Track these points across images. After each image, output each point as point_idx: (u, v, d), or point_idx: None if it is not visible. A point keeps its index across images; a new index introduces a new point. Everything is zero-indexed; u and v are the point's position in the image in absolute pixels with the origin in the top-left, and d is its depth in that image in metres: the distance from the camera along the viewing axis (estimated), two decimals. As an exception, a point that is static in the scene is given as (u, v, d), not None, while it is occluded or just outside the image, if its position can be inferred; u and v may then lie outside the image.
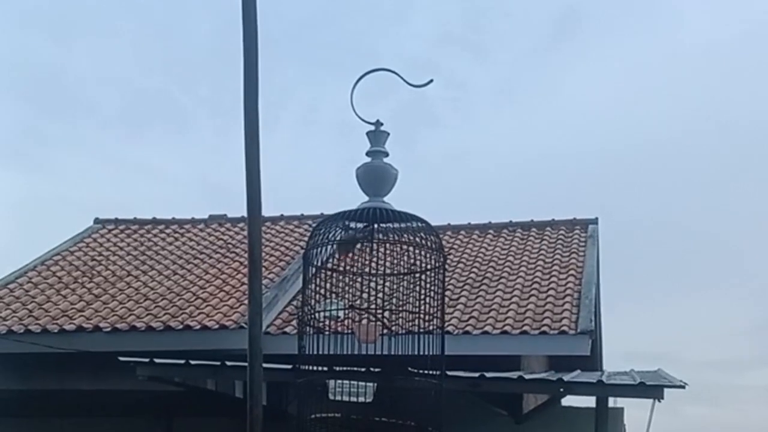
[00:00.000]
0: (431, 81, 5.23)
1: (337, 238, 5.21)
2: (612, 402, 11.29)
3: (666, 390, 9.39)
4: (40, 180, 31.82)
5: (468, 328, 12.73)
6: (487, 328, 12.72)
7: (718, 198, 31.83)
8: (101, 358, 12.20)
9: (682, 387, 9.57)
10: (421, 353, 5.10)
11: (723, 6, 29.99)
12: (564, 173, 30.66)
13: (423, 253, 5.22)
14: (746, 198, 30.71)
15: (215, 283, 14.53)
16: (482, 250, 16.31)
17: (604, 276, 16.73)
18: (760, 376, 33.36)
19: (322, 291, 5.25)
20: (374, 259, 5.21)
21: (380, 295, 5.30)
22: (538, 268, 15.12)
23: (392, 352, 5.13)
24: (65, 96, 31.50)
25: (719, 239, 31.71)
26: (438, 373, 5.13)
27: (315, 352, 5.11)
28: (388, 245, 5.20)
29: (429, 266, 5.24)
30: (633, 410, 13.50)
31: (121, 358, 10.53)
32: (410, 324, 5.17)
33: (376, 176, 5.24)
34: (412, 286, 5.24)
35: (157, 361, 10.38)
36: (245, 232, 3.95)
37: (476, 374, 9.57)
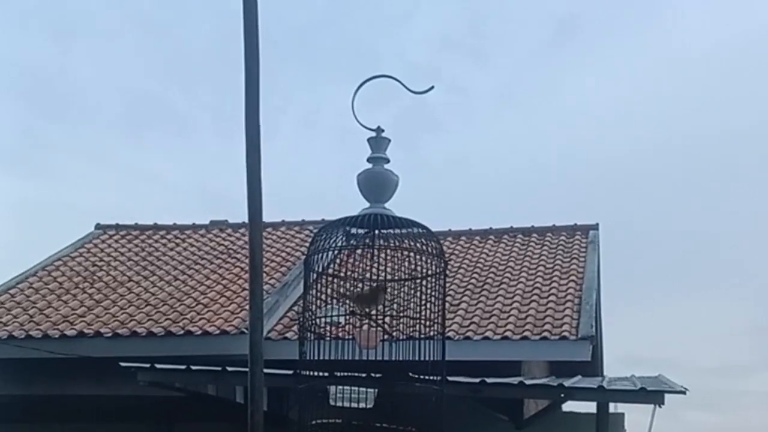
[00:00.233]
0: (432, 88, 5.23)
1: (339, 244, 5.21)
2: (613, 407, 11.30)
3: (667, 395, 9.39)
4: (41, 185, 31.86)
5: (469, 334, 12.73)
6: (488, 334, 12.72)
7: (717, 201, 31.85)
8: (102, 364, 12.21)
9: (683, 392, 9.56)
10: (422, 359, 5.10)
11: (723, 9, 30.03)
12: (564, 178, 30.69)
13: (424, 259, 5.23)
14: (745, 200, 30.74)
15: (216, 289, 14.53)
16: (483, 255, 16.31)
17: (605, 281, 16.75)
18: (761, 381, 33.36)
19: (323, 297, 5.25)
20: (375, 265, 5.22)
21: (384, 298, 5.30)
22: (539, 273, 15.12)
23: (393, 358, 5.13)
24: (66, 100, 31.56)
25: (719, 243, 31.73)
26: (439, 378, 5.13)
27: (316, 358, 5.11)
28: (389, 251, 5.20)
29: (430, 272, 5.25)
30: (634, 416, 13.50)
31: (122, 364, 10.54)
32: (411, 330, 5.18)
33: (377, 183, 5.25)
34: (413, 291, 5.25)
35: (158, 366, 10.38)
36: (246, 238, 3.95)
37: (477, 380, 9.58)
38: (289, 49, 23.87)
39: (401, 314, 5.25)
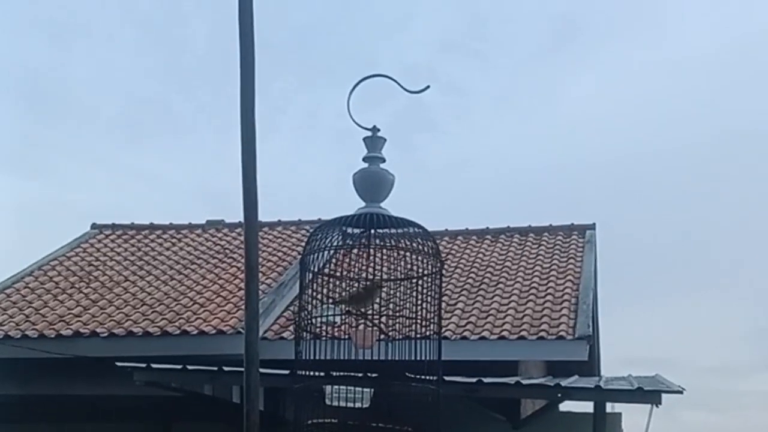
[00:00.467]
0: (428, 87, 5.22)
1: (335, 244, 5.21)
2: (610, 407, 11.30)
3: (664, 395, 9.40)
4: (38, 185, 31.86)
5: (466, 334, 12.74)
6: (485, 334, 12.73)
7: (715, 201, 31.89)
8: (98, 364, 12.20)
9: (680, 392, 9.57)
10: (419, 359, 5.09)
11: (723, 14, 30.07)
12: (562, 178, 30.71)
13: (420, 258, 5.22)
14: (743, 201, 30.78)
15: (212, 289, 14.53)
16: (480, 255, 16.32)
17: (602, 281, 16.76)
18: (759, 381, 33.40)
19: (320, 296, 5.25)
20: (371, 265, 5.21)
21: (377, 300, 5.30)
22: (536, 273, 15.13)
23: (389, 358, 5.12)
24: (64, 102, 31.53)
25: (717, 243, 31.78)
26: (435, 378, 5.12)
27: (312, 358, 5.11)
28: (385, 251, 5.20)
29: (426, 272, 5.24)
30: (631, 415, 13.51)
31: (119, 364, 10.54)
32: (407, 329, 5.17)
33: (372, 182, 5.24)
34: (409, 291, 5.24)
35: (154, 366, 10.38)
36: (242, 238, 3.97)
37: (474, 379, 9.58)
38: (287, 51, 23.85)
39: (397, 314, 5.24)
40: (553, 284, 14.52)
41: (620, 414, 13.44)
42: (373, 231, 5.16)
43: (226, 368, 10.02)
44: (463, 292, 14.42)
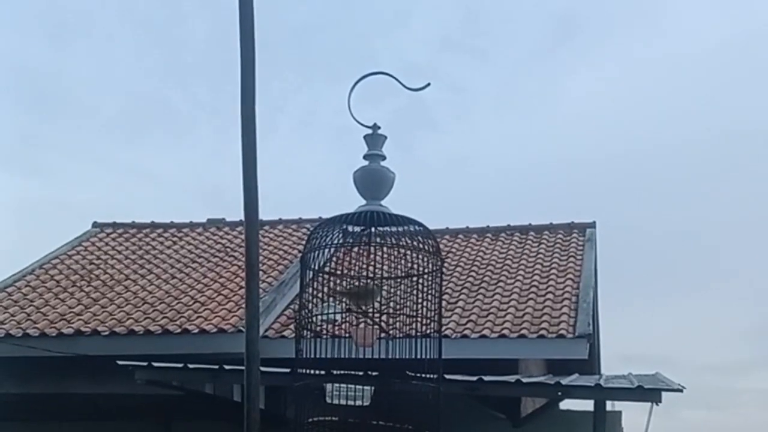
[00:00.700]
0: (428, 84, 5.22)
1: (335, 242, 5.21)
2: (610, 405, 11.32)
3: (664, 393, 9.40)
4: (38, 184, 31.87)
5: (466, 332, 12.75)
6: (485, 332, 12.73)
7: (715, 200, 31.88)
8: (99, 362, 12.21)
9: (680, 390, 9.58)
10: (419, 357, 5.10)
11: (722, 11, 30.06)
12: (562, 176, 30.71)
13: (420, 256, 5.22)
14: (744, 200, 30.77)
15: (213, 287, 14.54)
16: (480, 253, 16.32)
17: (602, 279, 16.77)
18: (759, 379, 33.43)
19: (320, 295, 5.25)
20: (372, 263, 5.21)
21: (378, 297, 5.30)
22: (536, 271, 15.14)
23: (390, 356, 5.13)
24: (64, 100, 31.53)
25: (717, 241, 31.78)
26: (436, 376, 5.13)
27: (313, 356, 5.11)
28: (385, 249, 5.20)
29: (427, 270, 5.24)
30: (631, 413, 13.53)
31: (120, 362, 10.55)
32: (408, 327, 5.17)
33: (373, 180, 5.24)
34: (409, 289, 5.24)
35: (155, 364, 10.39)
36: (243, 236, 3.97)
37: (474, 378, 9.58)
38: (286, 49, 23.84)
39: (398, 312, 5.25)
40: (553, 283, 14.53)
41: (620, 412, 13.47)
42: (373, 229, 5.16)
43: (226, 367, 10.03)
44: (464, 291, 14.43)
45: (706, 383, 31.26)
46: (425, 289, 5.23)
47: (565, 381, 10.05)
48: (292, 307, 13.98)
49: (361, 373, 5.19)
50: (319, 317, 5.21)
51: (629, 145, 31.28)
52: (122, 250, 16.69)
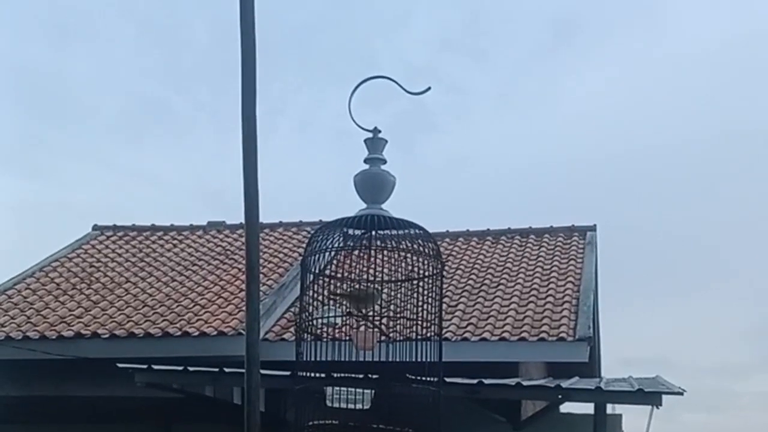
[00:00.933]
0: (429, 89, 5.23)
1: (336, 245, 5.21)
2: (610, 408, 11.30)
3: (664, 396, 9.40)
4: (38, 186, 31.87)
5: (466, 335, 12.74)
6: (486, 335, 12.73)
7: (715, 202, 31.90)
8: (99, 365, 12.21)
9: (680, 394, 9.57)
10: (420, 360, 5.10)
11: (722, 12, 30.07)
12: (562, 179, 30.72)
13: (421, 260, 5.22)
14: (743, 201, 30.78)
15: (213, 290, 14.53)
16: (480, 256, 16.32)
17: (603, 282, 16.76)
18: (759, 381, 33.44)
19: (320, 298, 5.25)
20: (372, 266, 5.21)
21: (378, 301, 5.30)
22: (537, 274, 15.13)
23: (390, 359, 5.12)
24: (64, 102, 31.55)
25: (717, 244, 31.78)
26: (436, 379, 5.13)
27: (313, 359, 5.11)
28: (386, 252, 5.20)
29: (427, 273, 5.24)
30: (631, 417, 13.52)
31: (120, 365, 10.54)
32: (408, 331, 5.17)
33: (374, 183, 5.24)
34: (410, 292, 5.24)
35: (155, 367, 10.38)
36: (243, 239, 3.97)
37: (474, 381, 9.58)
38: (287, 51, 23.85)
39: (398, 315, 5.25)
40: (553, 286, 14.52)
41: (621, 415, 13.45)
42: (374, 232, 5.16)
43: (227, 369, 10.02)
44: (464, 294, 14.42)
45: (707, 386, 31.28)
46: (426, 292, 5.23)
47: (565, 384, 10.04)
48: (292, 309, 13.97)
49: (361, 377, 5.19)
50: (320, 320, 5.21)
51: (629, 145, 31.31)
52: (122, 252, 16.69)
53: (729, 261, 31.14)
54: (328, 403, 5.24)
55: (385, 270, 5.23)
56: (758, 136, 28.68)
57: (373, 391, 5.22)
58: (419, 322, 5.16)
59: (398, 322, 5.22)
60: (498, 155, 33.01)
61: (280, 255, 15.96)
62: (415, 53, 29.18)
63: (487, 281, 14.99)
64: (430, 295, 5.23)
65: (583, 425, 11.81)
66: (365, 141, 5.33)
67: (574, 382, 10.92)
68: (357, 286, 5.20)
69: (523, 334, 12.64)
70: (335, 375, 5.19)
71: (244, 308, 5.17)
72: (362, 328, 5.19)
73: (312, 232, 5.44)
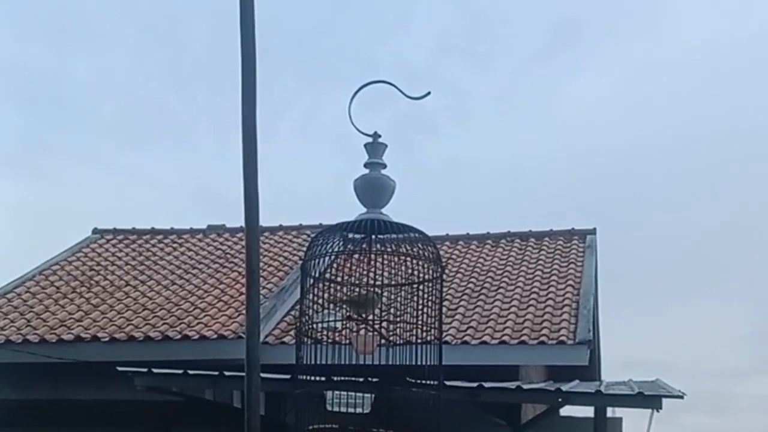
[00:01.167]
0: (429, 93, 5.23)
1: (336, 250, 5.21)
2: (610, 412, 11.31)
3: (664, 400, 9.39)
4: (38, 189, 31.82)
5: (466, 338, 12.73)
6: (486, 338, 12.72)
7: (715, 205, 31.90)
8: (99, 368, 12.20)
9: (681, 397, 9.57)
10: (420, 363, 5.10)
11: (722, 15, 30.08)
12: (562, 183, 30.72)
13: (421, 263, 5.23)
14: (743, 204, 30.79)
15: (213, 293, 14.53)
16: (480, 260, 16.32)
17: (602, 286, 16.76)
18: (760, 384, 33.41)
19: (320, 301, 5.25)
20: (372, 270, 5.21)
21: (378, 306, 5.30)
22: (537, 278, 15.13)
23: (390, 363, 5.13)
24: (64, 104, 31.51)
25: (717, 247, 31.77)
26: (436, 383, 5.13)
27: (313, 363, 5.11)
28: (385, 256, 5.20)
29: (427, 277, 5.25)
30: (631, 420, 13.51)
31: (120, 368, 10.54)
32: (408, 334, 5.18)
33: (374, 188, 5.25)
34: (410, 296, 5.25)
35: (155, 371, 10.38)
36: (243, 242, 3.98)
37: (474, 384, 9.57)
38: (287, 54, 23.87)
39: (399, 319, 5.25)
40: (553, 289, 14.52)
41: (621, 419, 13.45)
42: (374, 237, 5.16)
43: (227, 373, 10.01)
44: (464, 297, 14.42)
45: (707, 389, 31.28)
46: (426, 296, 5.23)
47: (565, 387, 10.04)
48: (292, 313, 13.97)
49: (361, 380, 5.19)
50: (320, 324, 5.21)
51: (629, 148, 31.27)
52: (122, 256, 16.69)
53: (729, 264, 31.15)
54: (328, 407, 5.24)
55: (385, 274, 5.24)
56: (758, 139, 28.73)
57: (373, 395, 5.22)
58: (419, 326, 5.17)
59: (398, 325, 5.23)
60: (498, 158, 33.00)
61: (280, 258, 15.96)
62: (414, 56, 29.20)
63: (487, 284, 14.98)
64: (430, 298, 5.24)
65: (583, 428, 11.81)
66: (365, 146, 5.33)
67: (574, 385, 10.92)
68: (357, 291, 5.20)
69: (523, 338, 12.64)
70: (335, 378, 5.19)
71: (243, 311, 5.17)
72: (362, 332, 5.19)
73: (312, 235, 5.44)
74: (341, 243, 5.26)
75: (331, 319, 5.25)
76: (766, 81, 31.18)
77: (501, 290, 14.68)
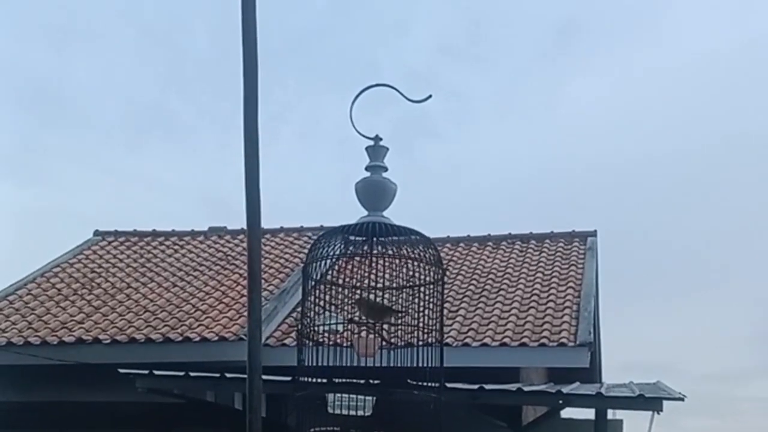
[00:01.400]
0: (430, 96, 5.25)
1: (337, 252, 5.23)
2: (611, 414, 11.31)
3: (665, 402, 9.40)
4: (39, 191, 31.83)
5: (467, 340, 12.74)
6: (486, 340, 12.72)
7: (715, 208, 31.87)
8: (100, 370, 12.20)
9: (681, 399, 9.57)
10: (420, 366, 5.11)
11: (723, 17, 30.07)
12: (563, 185, 30.72)
13: (422, 266, 5.24)
14: (744, 207, 30.77)
15: (215, 295, 14.53)
16: (481, 262, 16.32)
17: (603, 288, 16.76)
18: (759, 386, 33.41)
19: (322, 303, 5.26)
20: (373, 272, 5.23)
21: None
22: (537, 280, 15.13)
23: (391, 365, 5.14)
24: (65, 107, 31.52)
25: (718, 249, 31.77)
26: (437, 385, 5.14)
27: (314, 365, 5.12)
28: (387, 259, 5.21)
29: (428, 279, 5.26)
30: (632, 422, 13.52)
31: (121, 370, 10.54)
32: (409, 336, 5.19)
33: (375, 191, 5.26)
34: (411, 298, 5.26)
35: (156, 373, 10.39)
36: (245, 244, 3.95)
37: (475, 386, 9.58)
38: (288, 57, 23.87)
39: (399, 321, 5.26)
40: (554, 291, 14.52)
41: (621, 421, 13.45)
42: (375, 239, 5.17)
43: (228, 375, 10.02)
44: (465, 299, 14.42)
45: (707, 391, 31.28)
46: (427, 299, 5.24)
47: (566, 390, 10.05)
48: (293, 315, 13.97)
49: (362, 382, 5.20)
50: (321, 326, 5.23)
51: (630, 151, 31.26)
52: (124, 258, 16.69)
53: (729, 265, 31.14)
54: (330, 409, 5.25)
55: (386, 276, 5.25)
56: (758, 141, 28.71)
57: (374, 397, 5.23)
58: (420, 328, 5.18)
59: (399, 328, 5.24)
60: (498, 161, 32.99)
61: (281, 260, 15.97)
62: (415, 59, 29.19)
63: (487, 287, 14.99)
64: (431, 301, 5.25)
65: (584, 430, 11.80)
66: (367, 149, 5.35)
67: (574, 387, 10.92)
68: (360, 294, 5.21)
69: (524, 340, 12.64)
70: (336, 381, 5.20)
71: (245, 314, 5.18)
72: (363, 335, 5.20)
73: (313, 237, 5.46)
74: (343, 245, 5.27)
75: (332, 321, 5.26)
76: (767, 83, 31.22)
77: (502, 292, 14.68)
